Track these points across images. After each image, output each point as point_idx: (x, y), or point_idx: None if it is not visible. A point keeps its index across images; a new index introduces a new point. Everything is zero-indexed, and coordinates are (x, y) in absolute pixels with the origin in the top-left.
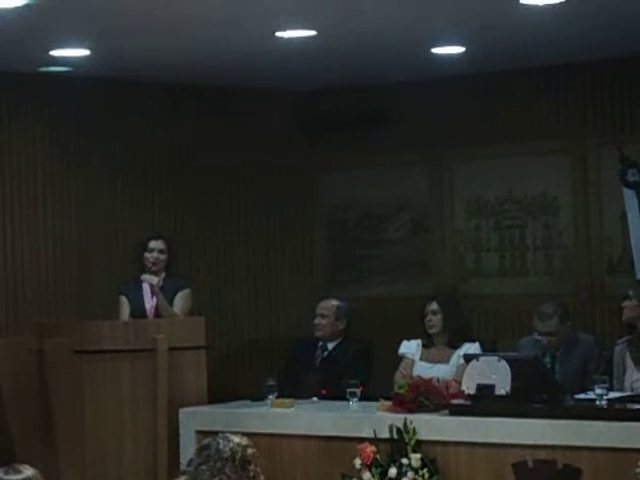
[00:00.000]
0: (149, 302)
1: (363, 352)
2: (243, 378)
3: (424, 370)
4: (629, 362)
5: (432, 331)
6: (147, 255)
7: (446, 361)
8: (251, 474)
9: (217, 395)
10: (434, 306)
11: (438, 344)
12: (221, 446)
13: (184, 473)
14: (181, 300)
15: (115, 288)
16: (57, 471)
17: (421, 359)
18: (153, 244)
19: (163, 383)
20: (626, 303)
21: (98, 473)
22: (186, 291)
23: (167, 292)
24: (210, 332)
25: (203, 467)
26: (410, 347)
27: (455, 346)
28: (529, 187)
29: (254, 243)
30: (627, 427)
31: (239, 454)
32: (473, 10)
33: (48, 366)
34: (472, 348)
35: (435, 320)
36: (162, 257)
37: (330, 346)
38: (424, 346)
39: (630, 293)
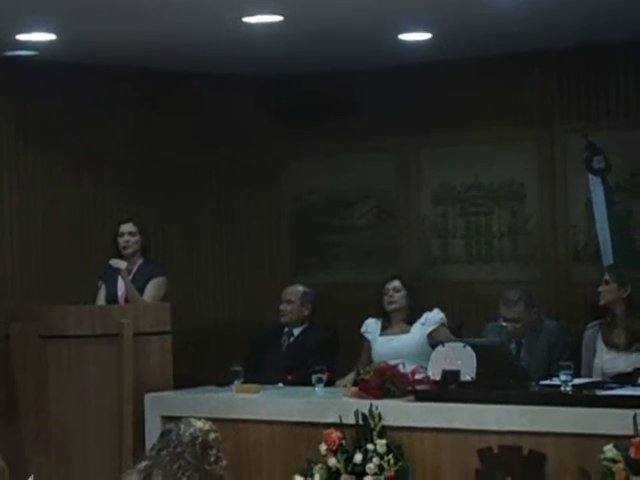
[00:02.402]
0: (121, 289)
1: (329, 338)
2: (209, 363)
3: (383, 343)
4: (600, 344)
5: (392, 307)
6: (119, 240)
7: (407, 332)
8: (212, 459)
9: (183, 380)
10: (396, 283)
11: (395, 321)
12: (182, 431)
13: (146, 459)
14: (152, 288)
15: (81, 272)
16: (23, 459)
17: (381, 335)
18: (123, 228)
19: (128, 368)
20: (604, 287)
21: (63, 460)
22: (159, 279)
23: (140, 279)
24: (176, 317)
25: (163, 452)
26: (369, 324)
27: (412, 322)
28: (495, 174)
29: (219, 229)
30: (591, 413)
31: (199, 439)
32: None
33: (14, 351)
34: (434, 313)
35: (397, 297)
36: (133, 240)
37: (296, 332)
38: (383, 327)
39: (607, 277)
